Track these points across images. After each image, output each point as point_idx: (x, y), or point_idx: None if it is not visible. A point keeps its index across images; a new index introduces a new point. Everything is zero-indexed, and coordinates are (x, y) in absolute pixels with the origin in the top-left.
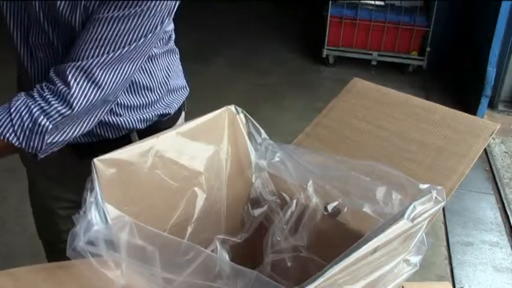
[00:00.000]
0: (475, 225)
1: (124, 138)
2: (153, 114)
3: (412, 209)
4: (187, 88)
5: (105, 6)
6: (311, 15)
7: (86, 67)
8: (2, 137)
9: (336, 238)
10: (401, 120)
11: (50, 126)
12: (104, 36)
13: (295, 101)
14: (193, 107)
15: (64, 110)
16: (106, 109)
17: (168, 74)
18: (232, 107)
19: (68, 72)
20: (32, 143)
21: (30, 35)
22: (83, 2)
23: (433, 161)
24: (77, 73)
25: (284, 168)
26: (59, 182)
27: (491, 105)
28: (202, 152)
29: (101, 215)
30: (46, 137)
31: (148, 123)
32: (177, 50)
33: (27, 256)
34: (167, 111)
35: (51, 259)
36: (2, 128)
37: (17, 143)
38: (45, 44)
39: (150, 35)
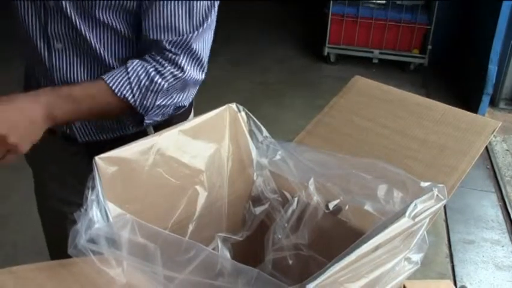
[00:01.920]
0: (477, 223)
1: (140, 133)
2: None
3: (414, 207)
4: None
5: None
6: (312, 13)
7: (183, 42)
8: (119, 94)
9: (337, 236)
10: (402, 118)
11: (166, 85)
12: (189, 11)
13: (296, 99)
14: (195, 105)
15: (177, 72)
16: (198, 84)
17: None
18: (233, 105)
19: (168, 46)
20: (145, 102)
21: (48, 26)
22: None
23: (434, 159)
24: (177, 47)
25: (285, 166)
26: (69, 186)
27: (493, 103)
28: (204, 150)
29: (102, 213)
30: (159, 97)
31: (166, 116)
32: None
33: (29, 254)
34: (183, 103)
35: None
36: (119, 86)
37: (132, 101)
38: (66, 35)
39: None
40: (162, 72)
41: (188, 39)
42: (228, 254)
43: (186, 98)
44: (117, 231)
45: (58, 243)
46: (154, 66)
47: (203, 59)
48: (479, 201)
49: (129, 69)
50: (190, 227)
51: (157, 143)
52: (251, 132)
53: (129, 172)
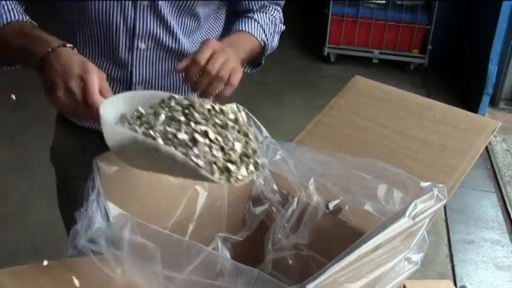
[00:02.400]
0: (477, 223)
1: None
2: None
3: (414, 207)
4: None
5: None
6: (312, 13)
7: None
8: (261, 42)
9: (337, 236)
10: (402, 118)
11: (283, 27)
12: None
13: (296, 99)
14: None
15: (282, 17)
16: None
17: None
18: (233, 105)
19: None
20: (273, 42)
21: (137, 26)
22: None
23: (434, 159)
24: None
25: (285, 166)
26: None
27: (493, 103)
28: None
29: (103, 213)
30: (278, 37)
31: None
32: None
33: (29, 254)
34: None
35: None
36: (259, 34)
37: (267, 43)
38: (153, 34)
39: None
40: (277, 16)
41: None
42: (228, 254)
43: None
44: (117, 231)
45: None
46: (272, 14)
47: None
48: (479, 201)
49: (261, 22)
50: (190, 227)
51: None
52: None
53: (129, 172)
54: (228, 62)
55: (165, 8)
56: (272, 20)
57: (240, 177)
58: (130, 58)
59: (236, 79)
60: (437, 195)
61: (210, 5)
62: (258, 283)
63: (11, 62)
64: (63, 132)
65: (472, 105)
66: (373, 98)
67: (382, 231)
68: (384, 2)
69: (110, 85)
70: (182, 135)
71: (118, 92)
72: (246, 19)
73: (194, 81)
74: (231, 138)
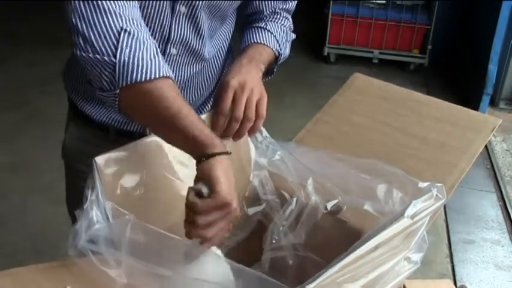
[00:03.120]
0: (477, 223)
1: None
2: None
3: (413, 207)
4: None
5: None
6: (312, 13)
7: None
8: (276, 51)
9: (335, 236)
10: (402, 115)
11: (293, 36)
12: None
13: (296, 99)
14: None
15: (291, 25)
16: None
17: None
18: None
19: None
20: (285, 51)
21: (172, 30)
22: None
23: (434, 157)
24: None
25: (284, 167)
26: None
27: (493, 103)
28: None
29: (102, 213)
30: (289, 46)
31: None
32: None
33: (29, 254)
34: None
35: None
36: (273, 44)
37: (281, 53)
38: (186, 40)
39: None
40: (288, 25)
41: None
42: (227, 254)
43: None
44: (117, 231)
45: None
46: (283, 23)
47: None
48: (479, 201)
49: (273, 32)
50: None
51: (157, 143)
52: None
53: (129, 172)
54: (252, 97)
55: (203, 16)
56: (284, 30)
57: None
58: None
59: (263, 109)
60: (436, 194)
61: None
62: (259, 284)
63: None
64: (76, 127)
65: (472, 105)
66: (372, 95)
67: (382, 231)
68: (384, 2)
69: None
70: None
71: None
72: (260, 30)
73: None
74: None
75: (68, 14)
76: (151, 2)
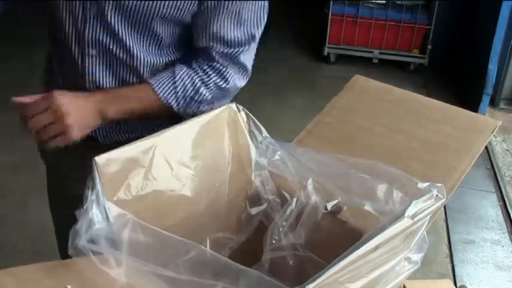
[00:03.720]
0: (477, 223)
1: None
2: None
3: (413, 207)
4: None
5: None
6: (312, 13)
7: (233, 54)
8: (165, 102)
9: (335, 236)
10: (402, 117)
11: (210, 96)
12: (243, 25)
13: (296, 99)
14: None
15: (221, 83)
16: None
17: None
18: (233, 105)
19: (217, 57)
20: (188, 110)
21: (86, 32)
22: None
23: (434, 158)
24: (226, 59)
25: (284, 167)
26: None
27: (493, 103)
28: (203, 150)
29: (102, 213)
30: (201, 106)
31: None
32: None
33: (29, 254)
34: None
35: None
36: (166, 93)
37: (176, 108)
38: (102, 42)
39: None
40: (208, 83)
41: (238, 52)
42: (227, 254)
43: (225, 103)
44: (117, 231)
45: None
46: (200, 76)
47: (248, 70)
48: (479, 201)
49: (176, 78)
50: (190, 227)
51: (157, 143)
52: (251, 132)
53: (129, 172)
54: (57, 123)
55: (115, 20)
56: (196, 84)
57: None
58: (82, 63)
59: (60, 141)
60: (436, 194)
61: (172, 25)
62: (259, 285)
63: None
64: None
65: (472, 105)
66: (373, 97)
67: (382, 231)
68: (384, 2)
69: (62, 82)
70: None
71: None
72: (166, 73)
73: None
74: None
75: None
76: (65, 5)
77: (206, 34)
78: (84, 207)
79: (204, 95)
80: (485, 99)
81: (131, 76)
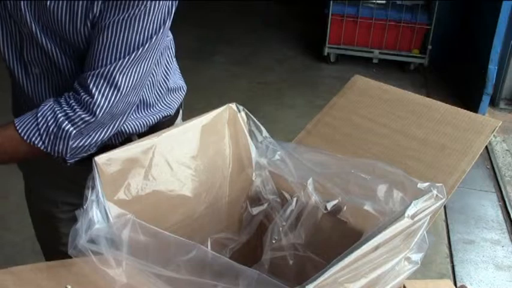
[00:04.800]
0: (477, 223)
1: (125, 142)
2: (155, 117)
3: (413, 207)
4: (185, 87)
5: (109, 10)
6: (312, 13)
7: (105, 73)
8: (28, 141)
9: (335, 236)
10: (402, 117)
11: (74, 131)
12: (117, 41)
13: (296, 99)
14: (195, 105)
15: (88, 118)
16: (131, 111)
17: (167, 72)
18: (233, 105)
19: (88, 81)
20: (56, 148)
21: (24, 52)
22: (80, 9)
23: (434, 158)
24: (97, 80)
25: (284, 167)
26: (59, 187)
27: (493, 103)
28: (203, 150)
29: (102, 213)
30: (70, 142)
31: (149, 126)
32: (173, 47)
33: (29, 254)
34: (168, 113)
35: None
36: (28, 132)
37: (42, 147)
38: (41, 59)
39: (160, 32)
40: (72, 117)
41: (111, 70)
42: (227, 255)
43: (118, 126)
44: (117, 231)
45: (51, 244)
46: (64, 110)
47: (126, 92)
48: (479, 202)
49: (38, 114)
50: (190, 227)
51: (157, 143)
52: (251, 132)
53: (129, 172)
54: None
55: (45, 38)
56: (58, 120)
57: None
58: (26, 83)
59: None
60: (436, 194)
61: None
62: (259, 284)
63: None
64: None
65: (472, 105)
66: (372, 97)
67: (382, 231)
68: (384, 2)
69: (23, 105)
70: None
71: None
72: (31, 111)
73: None
74: None
75: None
76: (2, 24)
77: (87, 58)
78: (84, 207)
79: (68, 130)
80: (485, 99)
81: (64, 84)
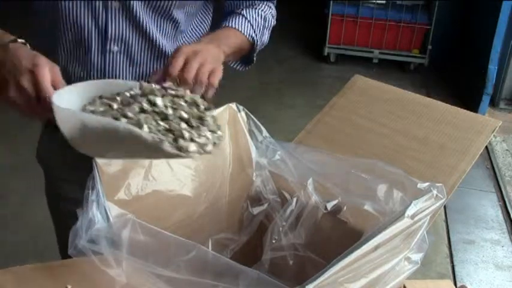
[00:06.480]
0: (477, 223)
1: None
2: None
3: (413, 207)
4: None
5: None
6: (312, 13)
7: None
8: (248, 36)
9: (335, 236)
10: (402, 117)
11: (274, 22)
12: None
13: (296, 99)
14: None
15: (274, 12)
16: None
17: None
18: (233, 105)
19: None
20: (263, 38)
21: (109, 28)
22: None
23: (434, 158)
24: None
25: (285, 167)
26: (81, 185)
27: (493, 103)
28: None
29: (103, 213)
30: (269, 33)
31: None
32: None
33: (29, 254)
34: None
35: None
36: (246, 30)
37: (256, 39)
38: (126, 36)
39: None
40: (269, 12)
41: None
42: (228, 255)
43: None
44: (117, 231)
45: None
46: (262, 9)
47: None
48: (479, 202)
49: (247, 16)
50: (191, 227)
51: None
52: (251, 132)
53: (129, 172)
54: (205, 64)
55: (140, 10)
56: (261, 15)
57: (190, 149)
58: (102, 61)
59: (215, 79)
60: (436, 194)
61: (188, 7)
62: (259, 284)
63: None
64: (48, 133)
65: (472, 105)
66: (372, 97)
67: (382, 231)
68: (384, 2)
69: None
70: (135, 108)
71: None
72: (233, 15)
73: None
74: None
75: None
76: (84, 2)
77: None
78: (85, 207)
79: (271, 21)
80: (485, 99)
81: (149, 68)
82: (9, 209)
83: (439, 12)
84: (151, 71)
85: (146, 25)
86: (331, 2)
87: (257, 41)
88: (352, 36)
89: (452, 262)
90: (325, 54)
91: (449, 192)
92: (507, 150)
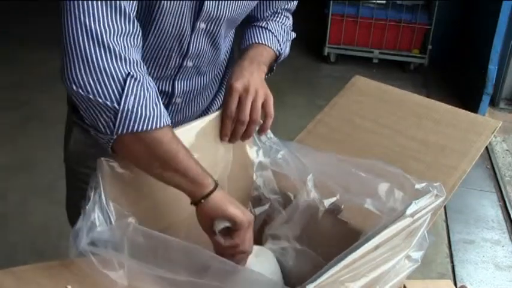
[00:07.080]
0: (477, 223)
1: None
2: None
3: (413, 206)
4: None
5: None
6: (312, 13)
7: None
8: (276, 51)
9: (336, 235)
10: (402, 118)
11: (294, 35)
12: None
13: (296, 99)
14: None
15: (291, 22)
16: None
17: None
18: None
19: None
20: (286, 50)
21: (191, 46)
22: None
23: (434, 159)
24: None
25: (287, 166)
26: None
27: (493, 103)
28: (206, 150)
29: (104, 215)
30: (289, 45)
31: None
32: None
33: (29, 254)
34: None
35: None
36: (274, 44)
37: (281, 52)
38: (203, 53)
39: None
40: (287, 24)
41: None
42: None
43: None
44: (119, 233)
45: None
46: (283, 23)
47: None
48: (479, 202)
49: (273, 31)
50: (192, 228)
51: None
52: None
53: (132, 173)
54: (257, 98)
55: (221, 30)
56: (284, 29)
57: None
58: (175, 74)
59: (271, 109)
60: (436, 194)
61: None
62: (258, 283)
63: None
64: (81, 131)
65: (472, 105)
66: (373, 97)
67: (383, 230)
68: (384, 2)
69: None
70: None
71: None
72: (261, 30)
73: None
74: None
75: (67, 46)
76: (172, 22)
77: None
78: (86, 207)
79: (291, 35)
80: (485, 99)
81: (210, 76)
82: (9, 209)
83: (439, 12)
84: (211, 79)
85: (220, 40)
86: (331, 2)
87: (282, 54)
88: (352, 36)
89: (452, 262)
90: (325, 54)
91: (449, 192)
92: (507, 150)
